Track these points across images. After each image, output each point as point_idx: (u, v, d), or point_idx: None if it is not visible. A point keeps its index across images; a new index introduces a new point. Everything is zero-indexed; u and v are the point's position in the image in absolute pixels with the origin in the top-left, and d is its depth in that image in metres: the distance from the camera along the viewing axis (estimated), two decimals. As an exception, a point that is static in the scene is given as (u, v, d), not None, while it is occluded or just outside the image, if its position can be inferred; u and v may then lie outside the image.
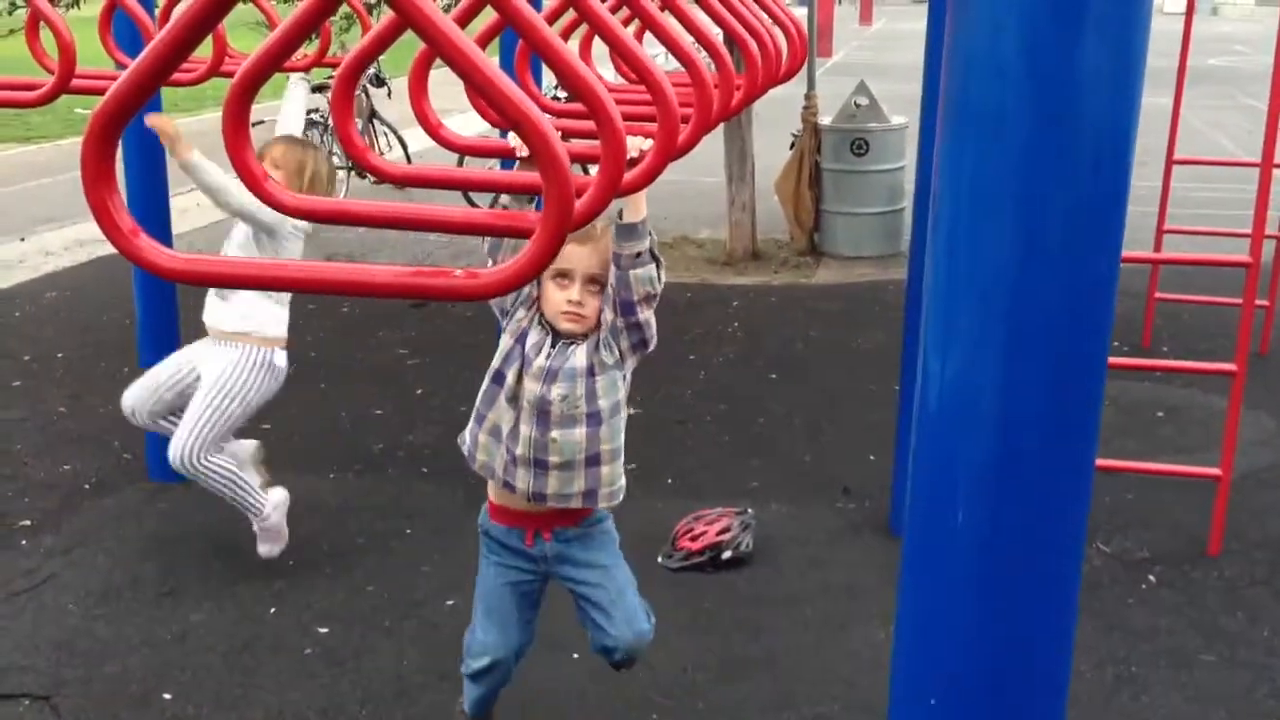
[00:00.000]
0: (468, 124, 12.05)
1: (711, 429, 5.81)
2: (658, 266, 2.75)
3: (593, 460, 2.90)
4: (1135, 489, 4.94)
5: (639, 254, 2.70)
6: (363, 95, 11.27)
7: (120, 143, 1.23)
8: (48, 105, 2.62)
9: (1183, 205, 8.03)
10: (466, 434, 3.01)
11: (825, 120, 9.19)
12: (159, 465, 5.07)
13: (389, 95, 11.18)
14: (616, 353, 2.86)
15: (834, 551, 4.54)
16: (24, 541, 4.57)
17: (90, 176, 1.39)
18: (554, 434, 2.86)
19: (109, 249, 8.95)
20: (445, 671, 3.60)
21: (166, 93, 5.73)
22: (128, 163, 4.77)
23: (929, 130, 4.23)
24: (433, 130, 2.25)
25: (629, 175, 1.98)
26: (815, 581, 4.31)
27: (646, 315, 2.81)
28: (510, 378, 2.88)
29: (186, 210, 10.49)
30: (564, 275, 2.82)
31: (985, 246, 1.41)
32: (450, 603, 4.10)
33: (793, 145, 9.30)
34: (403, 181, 2.10)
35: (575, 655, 3.75)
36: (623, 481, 3.00)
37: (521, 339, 2.88)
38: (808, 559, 4.48)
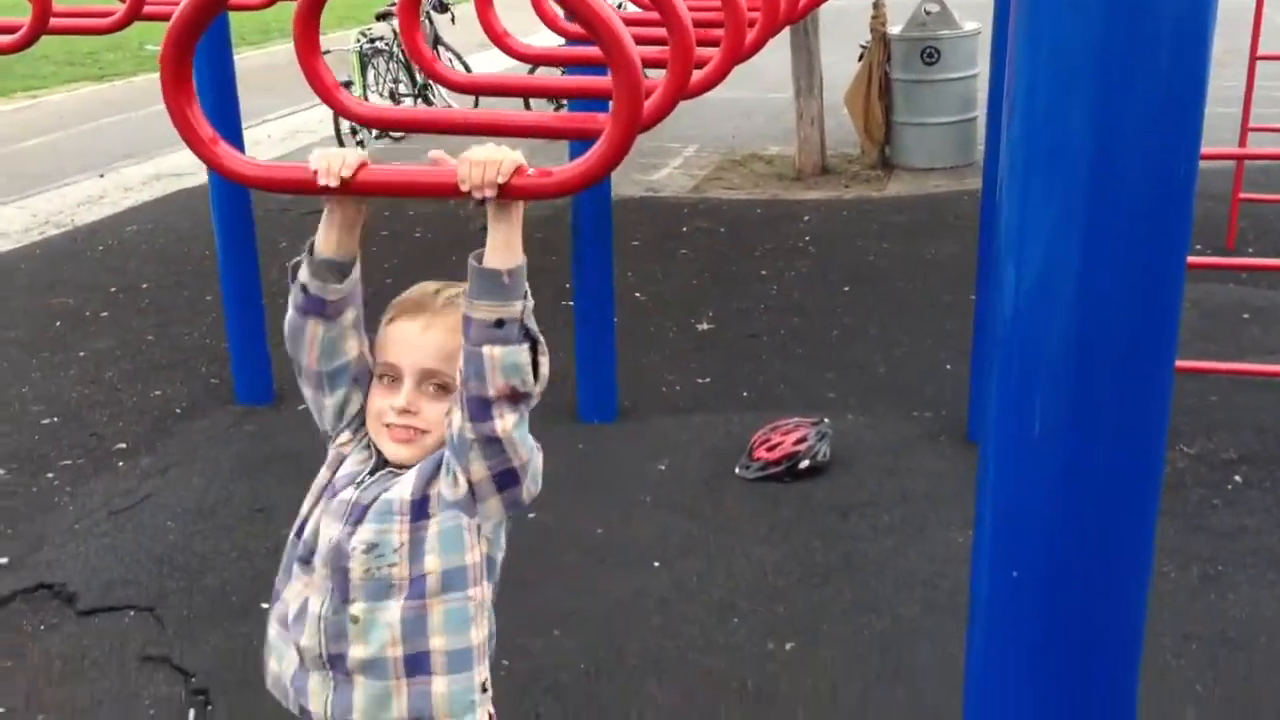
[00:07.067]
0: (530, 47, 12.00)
1: (786, 342, 5.80)
2: (535, 352, 1.72)
3: (416, 664, 1.82)
4: (1220, 391, 4.86)
5: (498, 321, 1.67)
6: (426, 21, 11.29)
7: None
8: (118, 34, 2.68)
9: (1268, 105, 7.78)
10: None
11: (894, 29, 9.00)
12: (246, 389, 5.22)
13: (452, 21, 11.23)
14: (464, 483, 1.79)
15: (911, 460, 4.54)
16: (121, 464, 4.74)
17: (170, 86, 1.43)
18: (355, 607, 1.83)
19: (186, 182, 9.12)
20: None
21: (234, 26, 5.77)
22: (200, 93, 4.82)
23: (1003, 35, 4.13)
24: (498, 39, 2.27)
25: (694, 79, 1.97)
26: (893, 489, 4.32)
27: (508, 427, 1.72)
28: (310, 527, 1.91)
29: (259, 143, 10.63)
30: (388, 372, 1.86)
31: (1062, 137, 1.40)
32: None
33: (861, 56, 9.13)
34: (469, 90, 2.13)
35: (656, 564, 3.82)
36: None
37: (335, 468, 1.95)
38: (885, 468, 4.49)
